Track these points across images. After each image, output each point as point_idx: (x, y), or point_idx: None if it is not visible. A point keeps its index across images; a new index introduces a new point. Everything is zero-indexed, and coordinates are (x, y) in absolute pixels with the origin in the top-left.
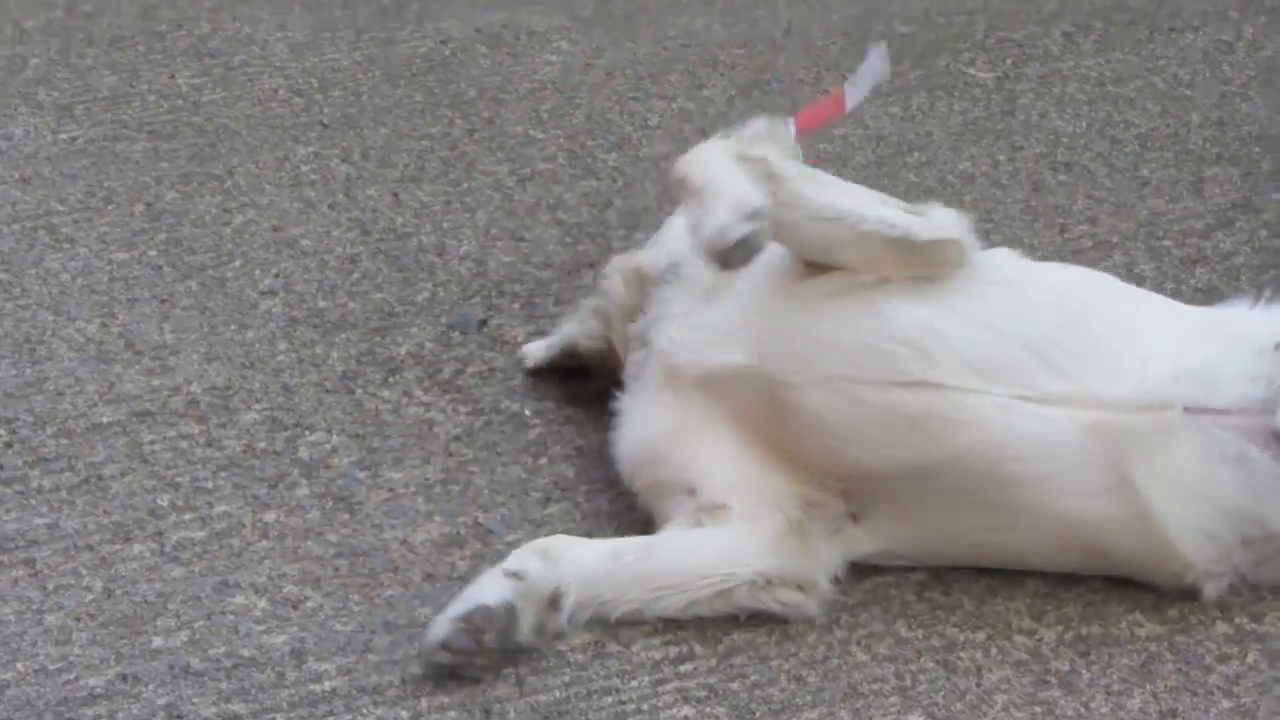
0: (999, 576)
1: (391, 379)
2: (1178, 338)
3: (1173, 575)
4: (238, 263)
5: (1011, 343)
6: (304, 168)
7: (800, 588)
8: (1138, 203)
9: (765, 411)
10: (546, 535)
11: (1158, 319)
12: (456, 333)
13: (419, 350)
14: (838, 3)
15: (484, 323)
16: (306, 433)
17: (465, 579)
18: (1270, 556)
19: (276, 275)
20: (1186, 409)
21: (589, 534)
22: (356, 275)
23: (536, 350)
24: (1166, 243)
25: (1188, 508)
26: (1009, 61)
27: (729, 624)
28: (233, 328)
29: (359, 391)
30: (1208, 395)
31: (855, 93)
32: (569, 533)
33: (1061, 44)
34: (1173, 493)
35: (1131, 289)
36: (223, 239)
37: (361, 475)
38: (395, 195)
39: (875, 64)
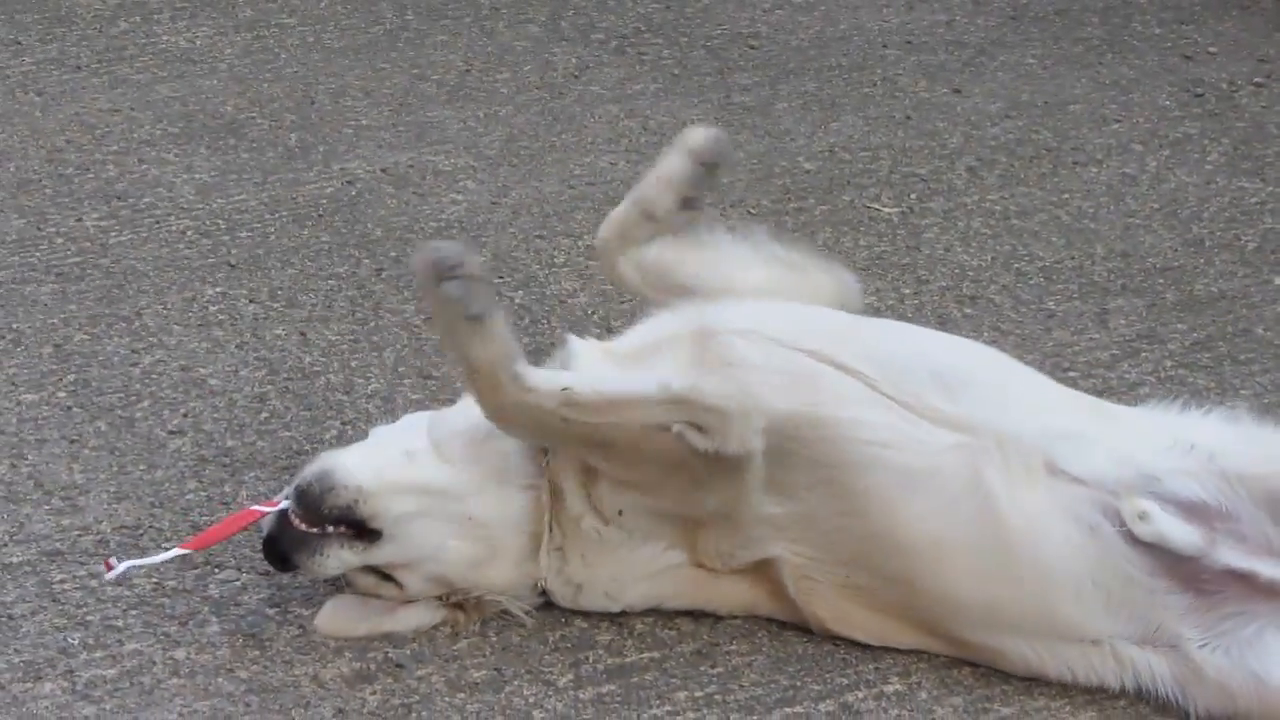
0: (909, 706)
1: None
2: (1069, 409)
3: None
4: (146, 403)
5: (914, 359)
6: (212, 308)
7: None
8: (1043, 334)
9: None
10: (456, 670)
11: (1055, 390)
12: None
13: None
14: (743, 140)
15: None
16: (216, 571)
17: (376, 714)
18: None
19: (185, 415)
20: (1049, 466)
21: (499, 669)
22: (265, 414)
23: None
24: (1073, 374)
25: (1043, 546)
26: (914, 196)
27: None
28: (142, 467)
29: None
30: (1073, 460)
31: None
32: (477, 667)
33: (966, 178)
34: (1029, 528)
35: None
36: (131, 379)
37: (271, 612)
38: (303, 334)
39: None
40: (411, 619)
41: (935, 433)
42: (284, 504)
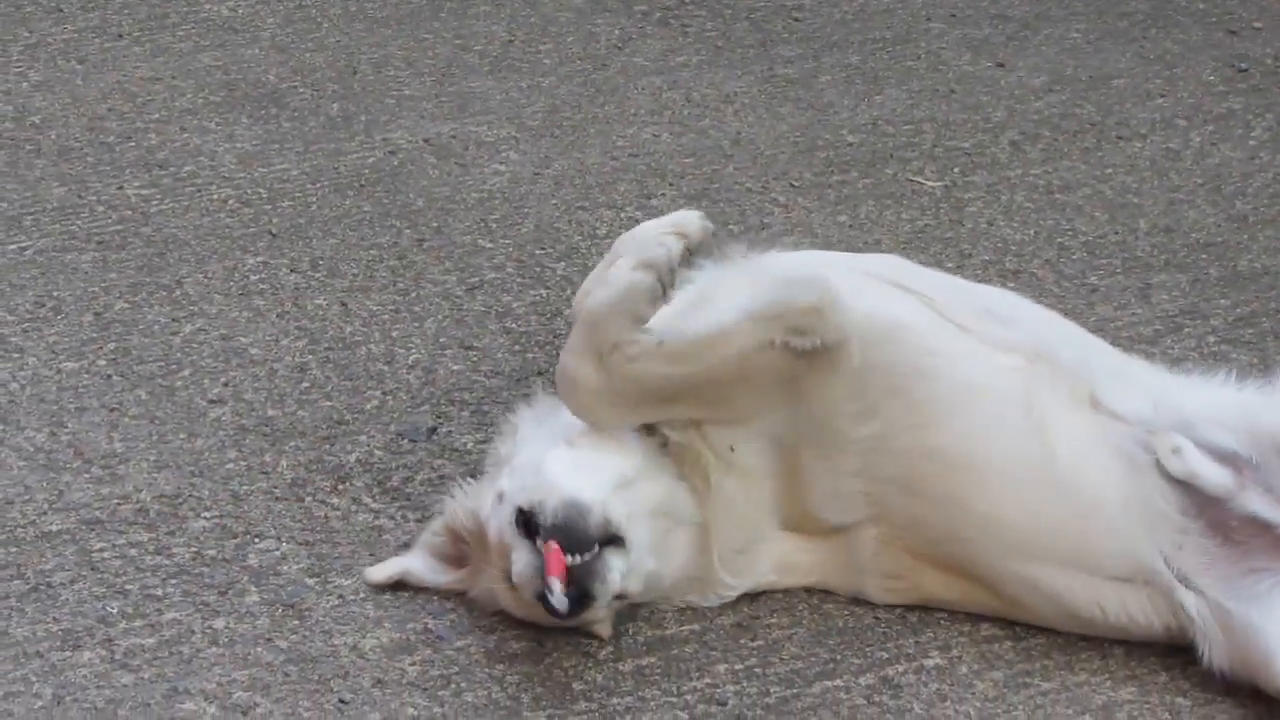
0: (949, 681)
1: (340, 486)
2: (1111, 353)
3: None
4: (187, 371)
5: (968, 293)
6: (253, 277)
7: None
8: (1086, 309)
9: None
10: (496, 641)
11: (1096, 340)
12: (405, 440)
13: (368, 458)
14: (786, 112)
15: (433, 430)
16: (256, 540)
17: (416, 684)
18: None
19: (225, 384)
20: (1092, 399)
21: (539, 641)
22: (305, 384)
23: (377, 573)
24: (1115, 349)
25: (1085, 472)
26: (957, 170)
27: None
28: (182, 436)
29: (308, 499)
30: (1115, 397)
31: None
32: (517, 638)
33: (1009, 152)
34: (1074, 454)
35: None
36: (171, 348)
37: (311, 582)
38: (344, 304)
39: None
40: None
41: (993, 355)
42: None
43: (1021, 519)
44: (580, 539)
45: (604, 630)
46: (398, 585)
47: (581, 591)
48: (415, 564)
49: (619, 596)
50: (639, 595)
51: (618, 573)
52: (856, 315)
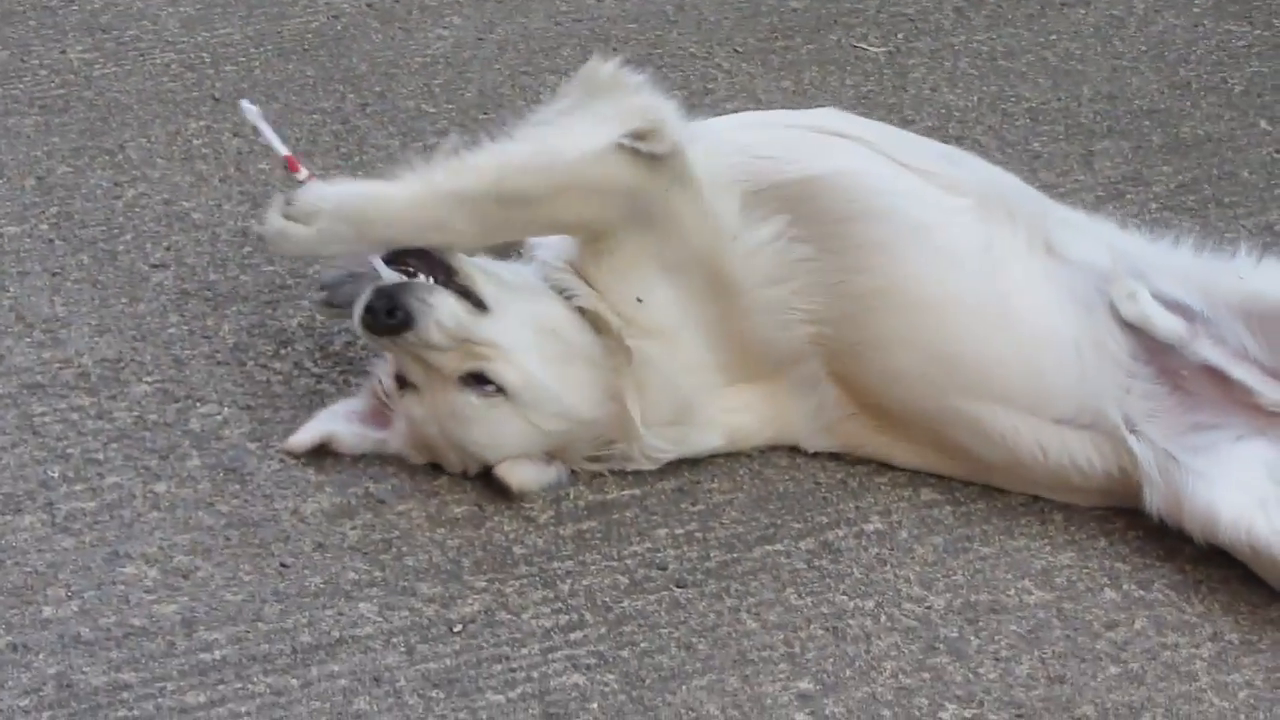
0: (888, 545)
1: (282, 351)
2: (1074, 213)
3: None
4: (129, 236)
5: (918, 141)
6: (195, 142)
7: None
8: (1029, 176)
9: None
10: (437, 506)
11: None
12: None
13: (310, 322)
14: None
15: None
16: (198, 404)
17: (356, 548)
18: None
19: (168, 248)
20: (1047, 245)
21: (480, 506)
22: (248, 248)
23: (299, 440)
24: None
25: (1040, 313)
26: (901, 36)
27: (618, 592)
28: (124, 301)
29: (250, 363)
30: (1070, 244)
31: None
32: (458, 503)
33: (953, 19)
34: (1029, 296)
35: None
36: (114, 213)
37: (253, 446)
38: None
39: (258, 122)
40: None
41: (947, 197)
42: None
43: (972, 355)
44: (423, 262)
45: (516, 478)
46: (328, 451)
47: (392, 301)
48: (338, 427)
49: (491, 384)
50: (548, 429)
51: (449, 312)
52: (786, 178)
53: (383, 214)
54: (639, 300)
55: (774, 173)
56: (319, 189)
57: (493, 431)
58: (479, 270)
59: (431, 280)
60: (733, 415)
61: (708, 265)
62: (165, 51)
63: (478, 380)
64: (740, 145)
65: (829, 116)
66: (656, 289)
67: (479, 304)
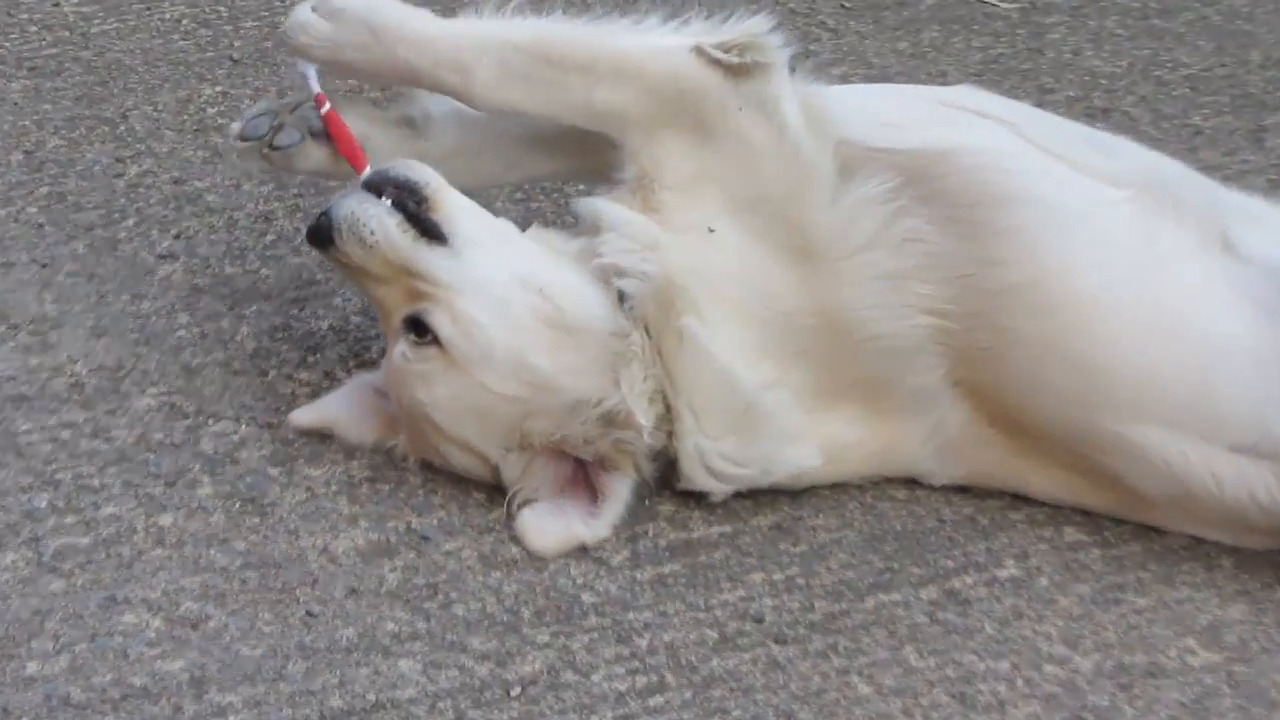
0: (1026, 595)
1: (310, 358)
2: (1252, 202)
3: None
4: (131, 221)
5: (1064, 124)
6: (210, 110)
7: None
8: (1188, 155)
9: None
10: (491, 544)
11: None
12: None
13: (343, 325)
14: None
15: None
16: (210, 422)
17: (396, 594)
18: None
19: (177, 236)
20: (1224, 240)
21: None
22: (271, 236)
23: (303, 415)
24: None
25: (1212, 318)
26: None
27: (706, 649)
28: (125, 298)
29: (272, 373)
30: (1249, 239)
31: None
32: (516, 541)
33: None
34: (1200, 297)
35: None
36: (114, 193)
37: (274, 472)
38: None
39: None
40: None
41: (1099, 186)
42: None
43: (1131, 368)
44: (383, 180)
45: (533, 534)
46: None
47: (326, 223)
48: (342, 412)
49: (429, 332)
50: (500, 391)
51: (381, 227)
52: (906, 150)
53: (409, 33)
54: (710, 230)
55: (894, 140)
56: None
57: (432, 393)
58: (462, 207)
59: (389, 203)
60: (827, 427)
61: (787, 215)
62: (175, 4)
63: (415, 327)
64: (856, 107)
65: (966, 94)
66: (722, 220)
67: (434, 233)
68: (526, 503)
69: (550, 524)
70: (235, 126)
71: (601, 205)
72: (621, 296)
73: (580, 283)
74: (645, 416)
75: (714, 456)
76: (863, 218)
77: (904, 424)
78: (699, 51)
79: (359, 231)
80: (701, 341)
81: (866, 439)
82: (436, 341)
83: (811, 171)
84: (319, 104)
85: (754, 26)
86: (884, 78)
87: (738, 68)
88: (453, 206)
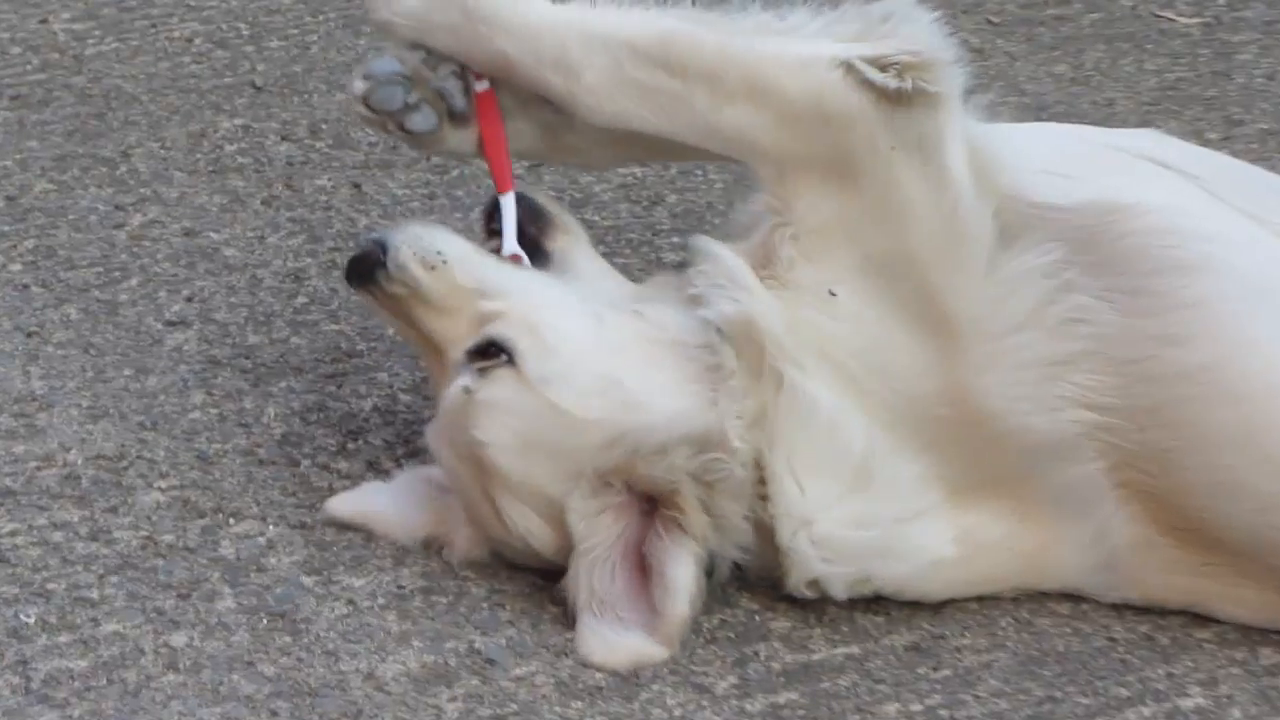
0: None
1: (350, 445)
2: None
3: None
4: (135, 281)
5: (1254, 174)
6: (228, 147)
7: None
8: None
9: None
10: (570, 669)
11: None
12: None
13: (389, 405)
14: None
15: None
16: (231, 521)
17: None
18: None
19: (189, 298)
20: None
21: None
22: (302, 299)
23: (341, 505)
24: None
25: None
26: (1222, 2)
27: None
28: (127, 373)
29: (305, 463)
30: None
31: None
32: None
33: None
34: None
35: None
36: (114, 247)
37: (308, 581)
38: (357, 186)
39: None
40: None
41: None
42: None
43: None
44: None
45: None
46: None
47: (381, 240)
48: (387, 503)
49: (503, 353)
50: (586, 414)
51: (456, 241)
52: (1072, 204)
53: (509, 17)
54: (831, 293)
55: (1059, 193)
56: None
57: (497, 426)
58: (580, 242)
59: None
60: (965, 519)
61: (931, 282)
62: (186, 20)
63: (481, 355)
64: (1018, 151)
65: (1148, 140)
66: (848, 283)
67: (540, 258)
68: (592, 603)
69: (616, 636)
70: (359, 85)
71: (703, 240)
72: (717, 330)
73: (676, 309)
74: (739, 435)
75: (822, 523)
76: (1021, 292)
77: (1058, 528)
78: (849, 68)
79: (423, 253)
80: (805, 388)
81: (1013, 540)
82: (508, 362)
83: (969, 233)
84: (474, 78)
85: (922, 38)
86: (1039, 108)
87: (896, 94)
88: (572, 240)
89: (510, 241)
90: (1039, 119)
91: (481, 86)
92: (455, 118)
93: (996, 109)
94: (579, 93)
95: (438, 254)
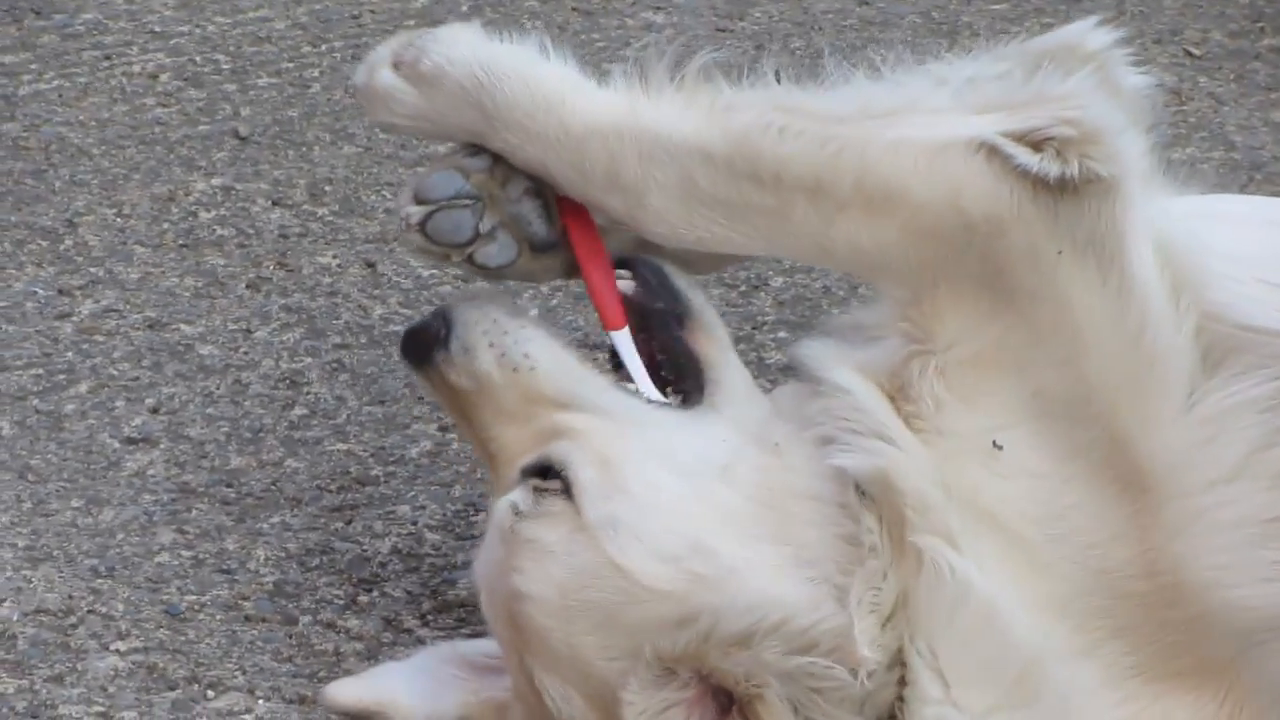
0: None
1: (363, 597)
2: None
3: None
4: (84, 386)
5: None
6: (204, 215)
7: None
8: None
9: None
10: None
11: None
12: (480, 509)
13: (413, 547)
14: None
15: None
16: (210, 694)
17: None
18: None
19: (155, 410)
20: None
21: None
22: (300, 410)
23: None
24: None
25: None
26: None
27: None
28: (76, 504)
29: (304, 620)
30: None
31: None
32: None
33: None
34: None
35: None
36: (58, 344)
37: None
38: (370, 265)
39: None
40: None
41: None
42: None
43: None
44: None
45: None
46: None
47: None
48: (403, 686)
49: (558, 479)
50: (653, 584)
51: (540, 344)
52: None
53: (541, 126)
54: (996, 446)
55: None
56: (465, 36)
57: (541, 573)
58: (721, 336)
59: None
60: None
61: (1116, 422)
62: (150, 50)
63: (538, 475)
64: (1226, 251)
65: None
66: (1014, 429)
67: (687, 377)
68: None
69: None
70: (413, 211)
71: (825, 358)
72: (857, 489)
73: (808, 453)
74: (870, 644)
75: None
76: (1229, 434)
77: None
78: (992, 152)
79: (505, 349)
80: (954, 566)
81: None
82: (564, 493)
83: (1162, 358)
84: (558, 208)
85: (1080, 103)
86: (1252, 166)
87: (1059, 183)
88: (709, 320)
89: (645, 383)
90: (1252, 182)
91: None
92: (538, 247)
93: (1196, 167)
94: (646, 219)
95: (525, 357)
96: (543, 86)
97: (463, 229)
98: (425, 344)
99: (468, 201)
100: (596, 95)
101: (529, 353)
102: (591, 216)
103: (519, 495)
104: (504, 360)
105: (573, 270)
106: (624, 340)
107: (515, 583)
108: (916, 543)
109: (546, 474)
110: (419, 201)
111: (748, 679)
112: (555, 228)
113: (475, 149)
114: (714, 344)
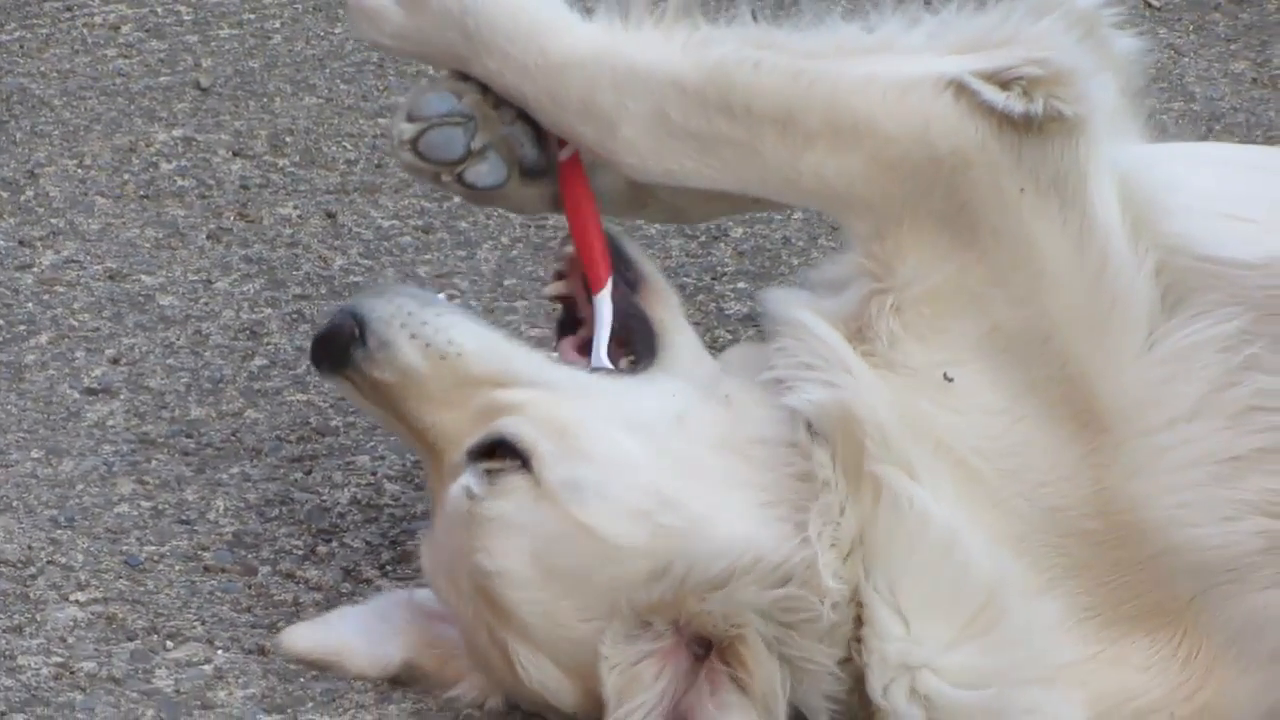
0: None
1: (322, 547)
2: None
3: None
4: (45, 337)
5: None
6: (165, 166)
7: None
8: None
9: None
10: None
11: None
12: None
13: (372, 497)
14: None
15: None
16: (169, 644)
17: None
18: None
19: (115, 360)
20: None
21: None
22: (261, 360)
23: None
24: None
25: None
26: None
27: None
28: (35, 454)
29: (263, 570)
30: None
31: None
32: None
33: None
34: None
35: None
36: (18, 295)
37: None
38: (331, 216)
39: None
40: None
41: None
42: None
43: None
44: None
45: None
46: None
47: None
48: (357, 633)
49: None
50: (619, 538)
51: (471, 326)
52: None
53: (520, 52)
54: (946, 378)
55: (1243, 243)
56: None
57: (507, 548)
58: (671, 301)
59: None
60: (1105, 672)
61: (1074, 360)
62: (112, 2)
63: (487, 455)
64: (1186, 188)
65: None
66: (969, 364)
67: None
68: None
69: None
70: (405, 128)
71: (786, 301)
72: (807, 425)
73: (762, 397)
74: (833, 576)
75: (926, 674)
76: (1190, 372)
77: (1231, 673)
78: (961, 89)
79: (427, 338)
80: (913, 497)
81: (1173, 697)
82: (522, 468)
83: (1123, 297)
84: (557, 145)
85: (1050, 45)
86: (1211, 118)
87: (1023, 120)
88: (669, 309)
89: (601, 353)
90: (1211, 132)
91: (565, 154)
92: (528, 172)
93: (1156, 119)
94: (617, 150)
95: (449, 343)
96: (526, 14)
97: (454, 146)
98: (341, 345)
99: (460, 119)
100: (578, 27)
101: (452, 338)
102: (584, 169)
103: (470, 479)
104: (429, 350)
105: (558, 205)
106: (603, 303)
107: (482, 562)
108: (875, 472)
109: (494, 452)
110: (411, 119)
111: (727, 620)
112: (546, 154)
113: (466, 75)
114: (666, 308)
